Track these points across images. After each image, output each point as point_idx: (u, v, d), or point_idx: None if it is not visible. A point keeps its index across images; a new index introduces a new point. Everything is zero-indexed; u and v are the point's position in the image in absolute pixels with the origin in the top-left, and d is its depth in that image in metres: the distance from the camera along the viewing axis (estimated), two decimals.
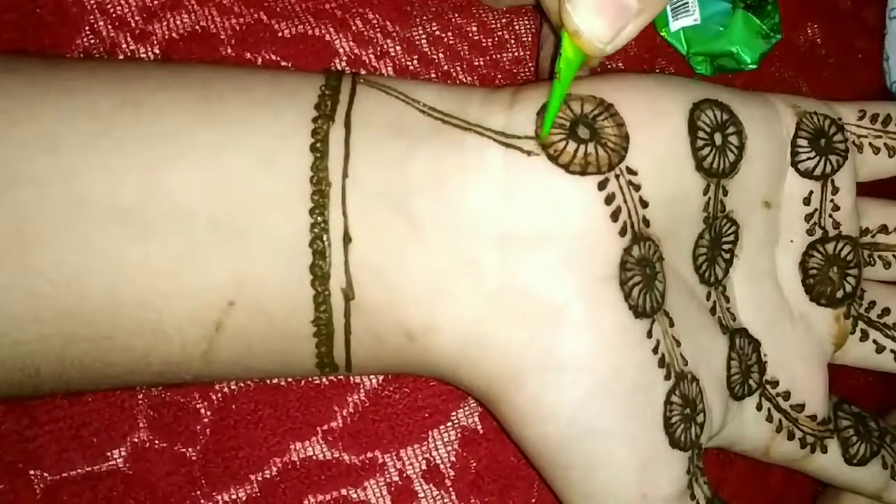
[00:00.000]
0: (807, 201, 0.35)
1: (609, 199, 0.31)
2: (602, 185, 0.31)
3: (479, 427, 0.38)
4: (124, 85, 0.30)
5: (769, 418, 0.36)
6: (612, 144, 0.31)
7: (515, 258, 0.30)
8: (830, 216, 0.36)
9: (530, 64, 0.40)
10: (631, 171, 0.31)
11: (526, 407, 0.31)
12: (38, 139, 0.28)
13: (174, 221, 0.29)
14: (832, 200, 0.36)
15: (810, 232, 0.36)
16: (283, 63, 0.37)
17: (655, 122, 0.32)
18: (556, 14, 0.30)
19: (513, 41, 0.40)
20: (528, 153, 0.30)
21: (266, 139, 0.30)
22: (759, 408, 0.35)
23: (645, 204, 0.31)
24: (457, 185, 0.30)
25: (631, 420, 0.31)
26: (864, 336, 0.37)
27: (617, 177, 0.31)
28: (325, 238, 0.29)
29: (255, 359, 0.31)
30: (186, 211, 0.29)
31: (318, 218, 0.29)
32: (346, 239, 0.30)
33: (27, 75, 0.30)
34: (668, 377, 0.31)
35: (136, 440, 0.35)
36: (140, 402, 0.35)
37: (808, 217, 0.36)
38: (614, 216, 0.31)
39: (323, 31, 0.37)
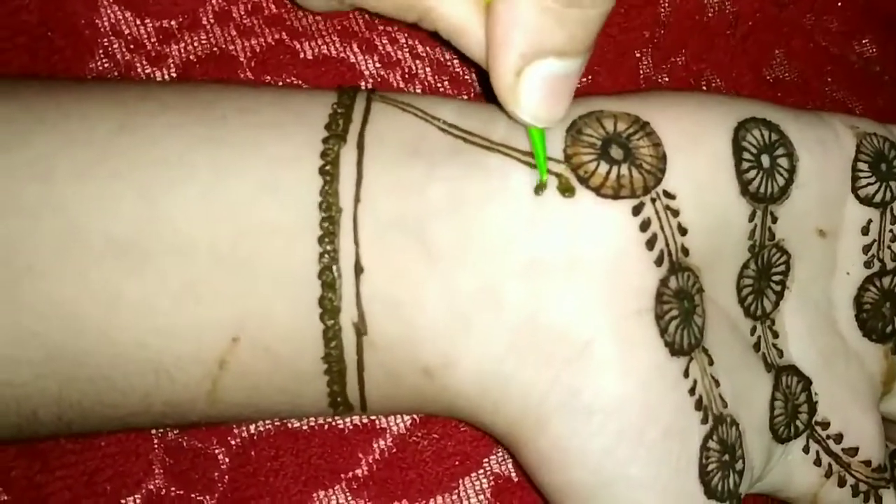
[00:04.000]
0: (865, 230, 0.34)
1: (644, 226, 0.29)
2: (637, 210, 0.29)
3: (513, 475, 0.36)
4: (124, 108, 0.29)
5: (818, 462, 0.33)
6: (648, 166, 0.29)
7: (541, 289, 0.28)
8: (889, 247, 0.34)
9: None
10: (668, 195, 0.29)
11: (549, 452, 0.29)
12: (29, 167, 0.27)
13: (173, 253, 0.28)
14: (891, 230, 0.34)
15: (868, 264, 0.34)
16: (304, 86, 0.36)
17: (696, 142, 0.30)
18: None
19: None
20: (557, 175, 0.29)
21: (272, 162, 0.28)
22: (806, 450, 0.33)
23: (684, 231, 0.30)
24: (478, 210, 0.29)
25: (663, 467, 0.29)
26: None
27: (653, 201, 0.29)
28: (335, 269, 0.28)
29: (264, 399, 0.30)
30: (186, 241, 0.28)
31: (328, 247, 0.28)
32: (358, 269, 0.28)
33: (23, 101, 0.29)
34: (705, 421, 0.30)
35: (150, 487, 0.34)
36: (155, 446, 0.34)
37: (867, 248, 0.34)
38: (650, 244, 0.29)
39: (348, 53, 0.36)
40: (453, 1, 0.29)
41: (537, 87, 0.27)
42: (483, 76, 0.29)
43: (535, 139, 0.29)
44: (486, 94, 0.34)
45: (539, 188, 0.29)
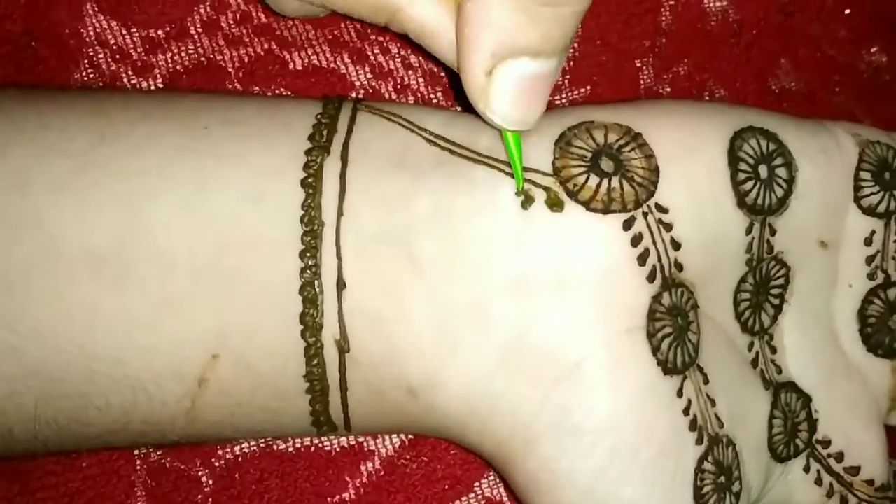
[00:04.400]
0: (868, 241, 0.33)
1: (636, 240, 0.28)
2: (628, 225, 0.28)
3: (505, 499, 0.35)
4: (106, 118, 0.29)
5: (819, 481, 0.33)
6: (640, 178, 0.28)
7: (529, 306, 0.28)
8: (893, 258, 0.33)
9: (569, 90, 0.37)
10: (661, 209, 0.29)
11: (538, 473, 0.28)
12: (6, 178, 0.27)
13: (153, 267, 0.27)
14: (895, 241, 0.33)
15: (871, 276, 0.33)
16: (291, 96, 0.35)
17: (690, 153, 0.29)
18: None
19: None
20: (546, 189, 0.28)
21: (255, 174, 0.28)
22: (806, 470, 0.33)
23: (677, 245, 0.29)
24: (465, 224, 0.28)
25: (656, 490, 0.28)
26: None
27: (645, 215, 0.28)
28: (316, 284, 0.27)
29: (245, 417, 0.29)
30: (166, 255, 0.27)
31: (310, 262, 0.27)
32: (341, 285, 0.28)
33: (3, 111, 0.29)
34: (699, 441, 0.29)
35: None
36: (138, 468, 0.34)
37: (870, 259, 0.33)
38: (641, 259, 0.28)
39: (338, 63, 0.35)
40: (423, 2, 0.28)
41: (509, 87, 0.27)
42: (455, 80, 0.28)
43: (509, 144, 0.28)
44: (459, 98, 0.33)
45: (520, 196, 0.28)
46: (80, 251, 0.27)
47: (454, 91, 0.35)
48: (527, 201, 0.28)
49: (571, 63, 0.37)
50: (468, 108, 0.28)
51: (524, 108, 0.27)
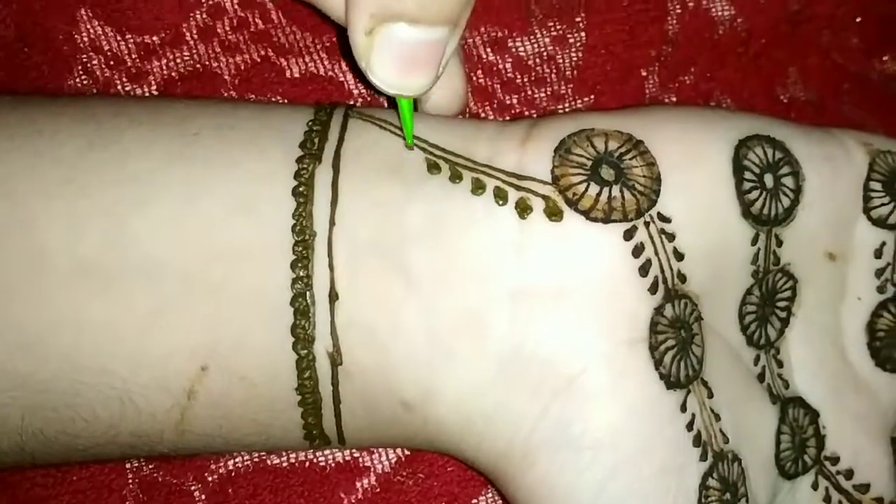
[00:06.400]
0: (878, 253, 0.32)
1: (637, 251, 0.28)
2: (629, 235, 0.28)
3: None
4: (95, 125, 0.28)
5: (827, 499, 0.32)
6: (641, 187, 0.28)
7: (527, 318, 0.27)
8: None
9: (573, 99, 0.37)
10: (663, 219, 0.28)
11: (537, 489, 0.28)
12: None
13: (141, 276, 0.27)
14: None
15: (881, 289, 0.32)
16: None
17: (693, 161, 0.29)
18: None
19: (554, 76, 0.37)
20: (545, 198, 0.27)
21: (245, 182, 0.28)
22: (815, 487, 0.32)
23: (680, 256, 0.28)
24: (460, 234, 0.28)
25: None
26: None
27: (647, 224, 0.28)
28: (308, 295, 0.27)
29: (236, 430, 0.29)
30: (155, 264, 0.27)
31: (301, 272, 0.27)
32: (333, 296, 0.27)
33: None
34: (704, 457, 0.28)
35: None
36: (129, 481, 0.34)
37: (880, 272, 0.32)
38: (643, 270, 0.28)
39: (336, 71, 0.35)
40: None
41: (387, 51, 0.26)
42: (343, 38, 0.29)
43: (402, 108, 0.28)
44: (347, 57, 0.34)
45: (410, 149, 0.28)
46: (68, 260, 0.27)
47: (341, 49, 0.35)
48: (525, 210, 0.27)
49: (575, 72, 0.36)
50: (355, 65, 0.28)
51: (404, 73, 0.27)
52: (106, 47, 0.33)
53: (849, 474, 0.32)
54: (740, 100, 0.38)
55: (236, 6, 0.34)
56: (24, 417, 0.27)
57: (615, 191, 0.28)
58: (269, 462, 0.34)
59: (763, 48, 0.38)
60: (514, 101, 0.36)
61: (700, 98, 0.38)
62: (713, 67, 0.38)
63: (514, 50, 0.36)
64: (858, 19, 0.39)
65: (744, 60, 0.38)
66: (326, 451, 0.34)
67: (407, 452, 0.34)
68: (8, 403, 0.27)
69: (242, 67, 0.34)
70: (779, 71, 0.38)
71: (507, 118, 0.36)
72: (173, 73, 0.34)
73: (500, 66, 0.36)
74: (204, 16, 0.34)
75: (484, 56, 0.35)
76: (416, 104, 0.30)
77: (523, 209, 0.27)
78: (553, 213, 0.27)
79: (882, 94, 0.41)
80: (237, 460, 0.34)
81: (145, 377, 0.27)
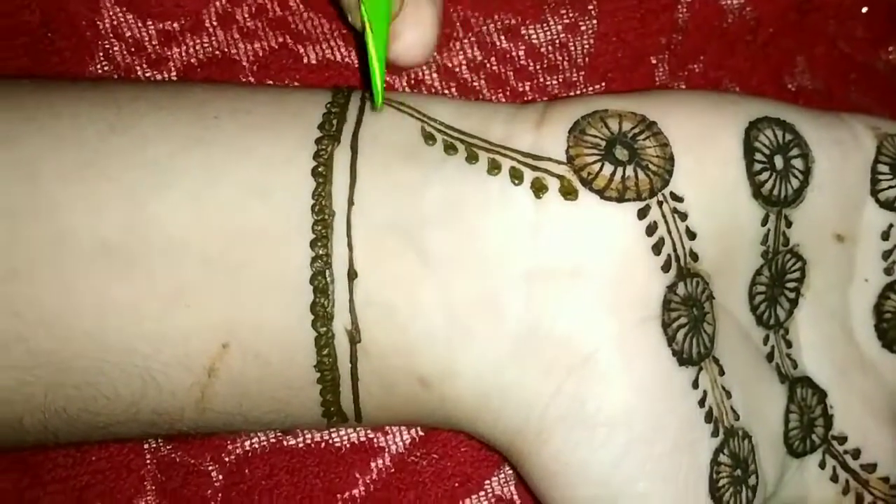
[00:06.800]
0: (885, 235, 0.32)
1: (650, 230, 0.28)
2: (642, 214, 0.28)
3: (515, 497, 0.35)
4: (116, 109, 0.28)
5: (834, 478, 0.32)
6: (655, 167, 0.28)
7: (542, 297, 0.28)
8: None
9: (584, 86, 0.37)
10: (676, 198, 0.28)
11: (552, 466, 0.28)
12: (14, 167, 0.27)
13: (162, 257, 0.27)
14: None
15: (888, 271, 0.32)
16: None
17: (705, 143, 0.29)
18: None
19: (566, 63, 0.37)
20: (559, 177, 0.28)
21: (264, 164, 0.28)
22: (822, 465, 0.32)
23: (692, 235, 0.28)
24: (476, 214, 0.28)
25: (671, 483, 0.28)
26: None
27: (660, 204, 0.28)
28: (327, 273, 0.27)
29: (255, 408, 0.29)
30: (176, 245, 0.27)
31: (320, 251, 0.27)
32: (352, 274, 0.27)
33: (15, 100, 0.28)
34: (715, 433, 0.28)
35: None
36: (148, 462, 0.34)
37: (887, 254, 0.32)
38: (656, 248, 0.28)
39: (352, 58, 0.35)
40: None
41: None
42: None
43: (373, 43, 0.28)
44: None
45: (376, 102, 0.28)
46: (90, 241, 0.27)
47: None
48: (540, 190, 0.28)
49: (587, 59, 0.37)
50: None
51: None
52: (127, 34, 0.34)
53: (856, 454, 0.32)
54: (748, 88, 0.38)
55: None
56: (48, 395, 0.27)
57: (629, 170, 0.28)
58: (285, 443, 0.34)
59: (771, 37, 0.38)
60: (527, 87, 0.36)
61: (709, 86, 0.38)
62: (722, 56, 0.38)
63: (527, 37, 0.36)
64: (865, 10, 0.39)
65: (752, 49, 0.38)
66: (342, 432, 0.34)
67: (421, 433, 0.34)
68: (31, 381, 0.27)
69: (260, 54, 0.35)
70: (787, 60, 0.38)
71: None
72: (193, 60, 0.34)
73: (514, 54, 0.36)
74: (223, 3, 0.34)
75: (498, 43, 0.36)
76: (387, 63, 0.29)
77: (539, 189, 0.28)
78: (568, 193, 0.28)
79: (888, 85, 0.41)
80: (254, 441, 0.34)
81: (167, 355, 0.27)
